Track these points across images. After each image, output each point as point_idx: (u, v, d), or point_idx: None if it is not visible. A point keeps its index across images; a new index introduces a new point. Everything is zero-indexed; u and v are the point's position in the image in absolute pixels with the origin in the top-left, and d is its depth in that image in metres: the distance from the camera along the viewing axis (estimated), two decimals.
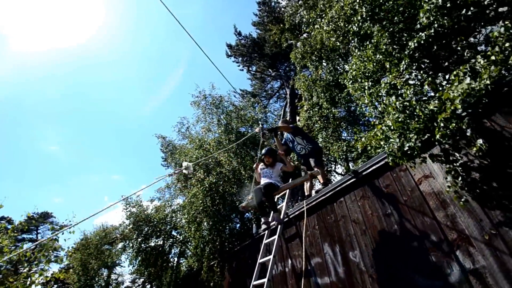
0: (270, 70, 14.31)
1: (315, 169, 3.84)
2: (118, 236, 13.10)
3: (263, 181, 3.58)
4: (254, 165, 4.04)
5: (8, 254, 3.01)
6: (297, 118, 8.00)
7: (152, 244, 8.97)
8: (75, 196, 49.24)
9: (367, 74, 3.28)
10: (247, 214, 8.98)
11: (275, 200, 3.51)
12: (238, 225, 8.27)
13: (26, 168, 45.65)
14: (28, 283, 3.15)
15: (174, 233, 9.54)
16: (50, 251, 3.38)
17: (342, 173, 9.61)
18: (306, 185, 3.99)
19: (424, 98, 1.94)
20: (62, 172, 51.09)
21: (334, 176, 9.01)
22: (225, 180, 7.53)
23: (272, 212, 3.45)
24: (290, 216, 3.68)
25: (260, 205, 3.31)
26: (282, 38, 7.70)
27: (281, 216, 3.47)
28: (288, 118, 5.00)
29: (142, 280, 16.22)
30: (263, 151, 3.90)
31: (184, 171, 2.22)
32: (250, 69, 15.37)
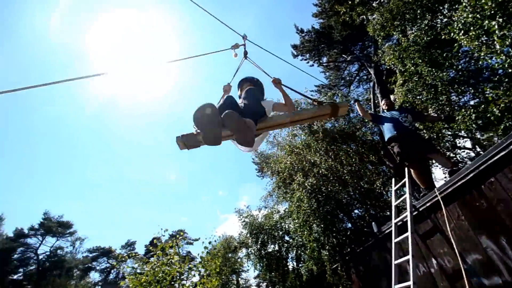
0: (343, 55, 13.28)
1: (433, 155, 3.31)
2: (237, 244, 14.64)
3: None
4: (225, 85, 2.53)
5: (177, 267, 3.90)
6: (392, 96, 7.04)
7: (270, 250, 9.58)
8: (196, 214, 59.38)
9: (485, 14, 2.58)
10: (356, 210, 8.39)
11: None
12: (349, 224, 7.89)
13: (159, 197, 58.61)
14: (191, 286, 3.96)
15: (286, 238, 9.91)
16: (205, 261, 4.14)
17: (471, 147, 7.75)
18: (420, 178, 3.34)
19: None
20: (182, 196, 62.96)
21: (457, 153, 7.35)
22: (323, 180, 7.38)
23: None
24: (420, 209, 3.19)
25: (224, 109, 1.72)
26: (354, 15, 6.98)
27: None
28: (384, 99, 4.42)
29: (265, 284, 17.49)
30: (245, 76, 2.61)
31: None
32: (321, 61, 14.69)
